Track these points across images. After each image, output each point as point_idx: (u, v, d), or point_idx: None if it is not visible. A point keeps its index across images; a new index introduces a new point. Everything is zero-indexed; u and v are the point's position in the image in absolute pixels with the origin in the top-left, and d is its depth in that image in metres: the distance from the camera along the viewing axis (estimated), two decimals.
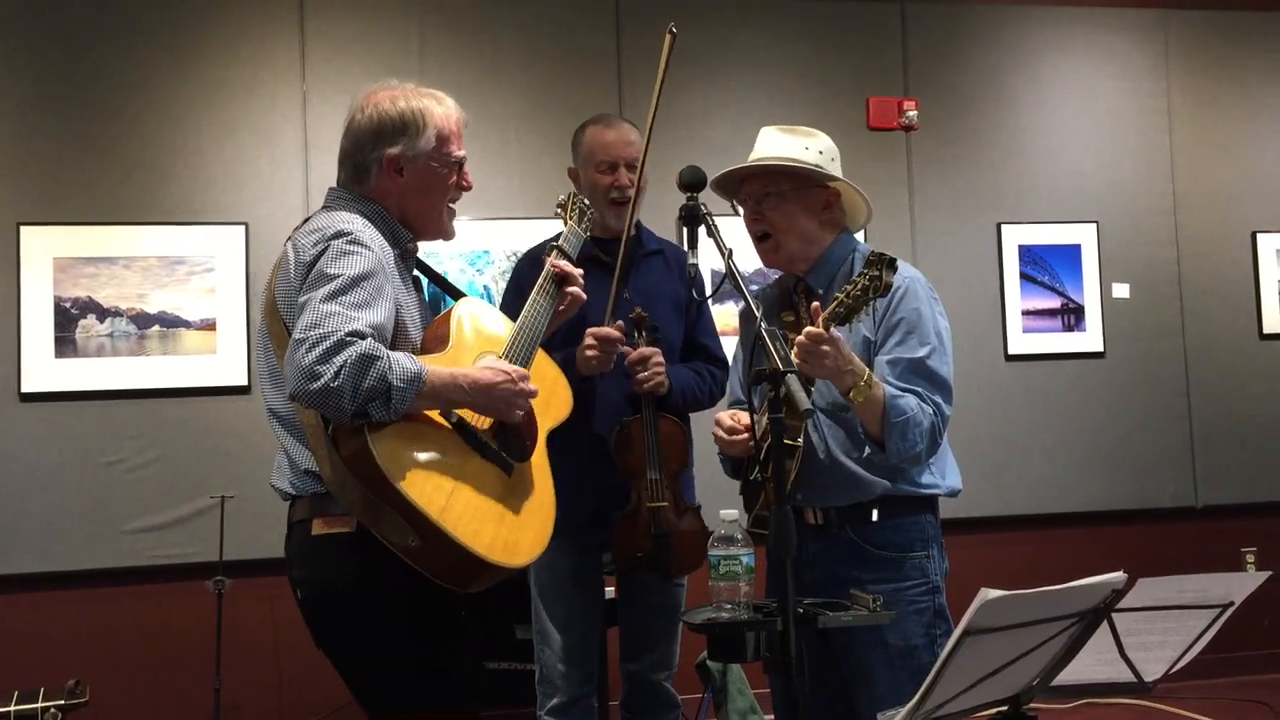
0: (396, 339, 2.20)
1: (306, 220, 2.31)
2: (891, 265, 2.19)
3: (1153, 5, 5.49)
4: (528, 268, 3.06)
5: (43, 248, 4.41)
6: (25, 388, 4.35)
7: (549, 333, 2.53)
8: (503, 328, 2.44)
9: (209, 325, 4.50)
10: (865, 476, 2.45)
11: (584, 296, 2.59)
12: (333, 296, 2.05)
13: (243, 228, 4.55)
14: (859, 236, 2.78)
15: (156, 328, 4.48)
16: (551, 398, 2.44)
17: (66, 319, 4.40)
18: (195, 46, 4.61)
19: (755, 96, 5.04)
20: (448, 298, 2.59)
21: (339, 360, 1.97)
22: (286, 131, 4.65)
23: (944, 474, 2.55)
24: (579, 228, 2.78)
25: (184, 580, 4.33)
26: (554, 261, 2.57)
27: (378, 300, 2.11)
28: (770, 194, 2.56)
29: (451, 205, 2.41)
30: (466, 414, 2.18)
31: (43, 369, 4.37)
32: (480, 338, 2.35)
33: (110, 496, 4.38)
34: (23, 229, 4.39)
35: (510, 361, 2.30)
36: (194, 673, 4.30)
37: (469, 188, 2.43)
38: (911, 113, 5.14)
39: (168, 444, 4.44)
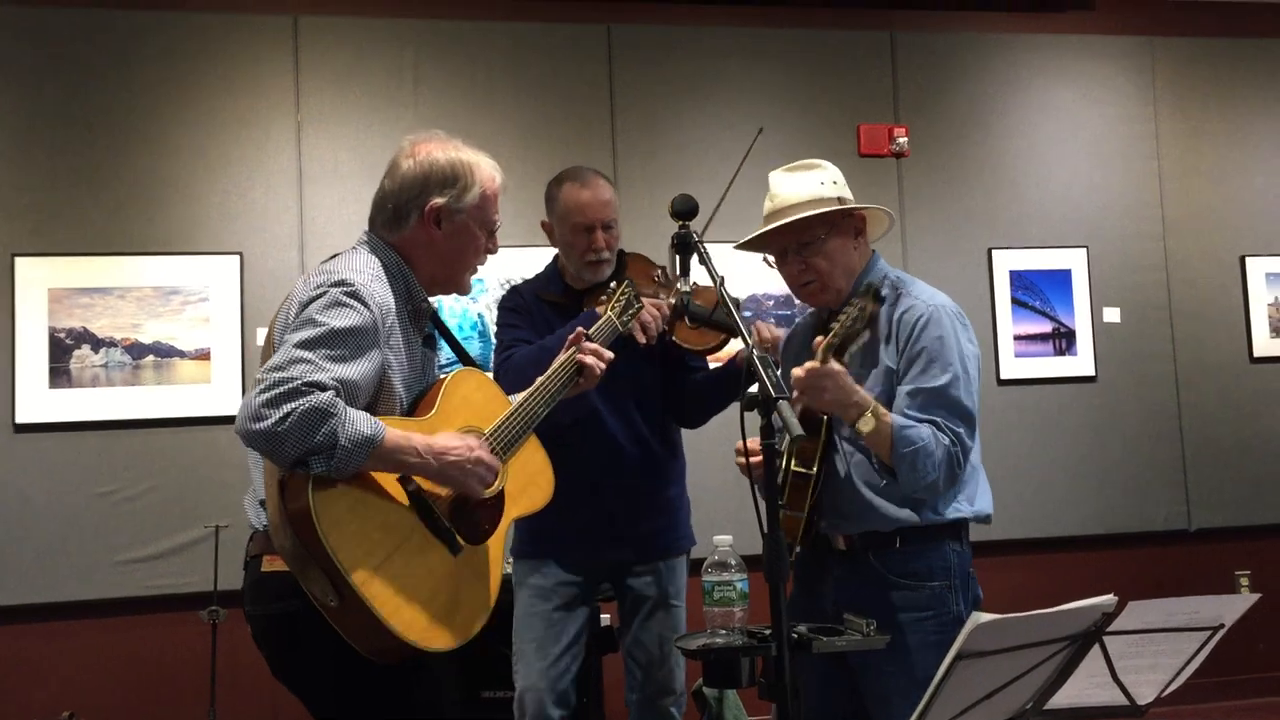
0: (380, 399, 2.17)
1: (333, 257, 2.29)
2: (877, 296, 2.22)
3: (1139, 33, 5.55)
4: (523, 302, 3.10)
5: (37, 278, 4.42)
6: (19, 419, 4.35)
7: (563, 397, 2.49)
8: (497, 406, 2.38)
9: (203, 355, 4.51)
10: (883, 506, 2.42)
11: (600, 371, 2.54)
12: (308, 344, 2.03)
13: (237, 258, 4.57)
14: None
15: (151, 358, 4.49)
16: (529, 486, 2.39)
17: (61, 350, 4.41)
18: (190, 78, 4.64)
19: (747, 125, 5.05)
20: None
21: (288, 407, 1.94)
22: (281, 162, 4.68)
23: (973, 499, 2.50)
24: (617, 321, 2.74)
25: (178, 610, 4.32)
26: (583, 346, 2.53)
27: (356, 357, 2.07)
28: (809, 242, 2.55)
29: (476, 266, 2.38)
30: (427, 484, 2.13)
31: (37, 400, 4.37)
32: (469, 410, 2.29)
33: (105, 527, 4.37)
34: (17, 260, 4.41)
35: (494, 442, 2.27)
36: (189, 703, 4.28)
37: (495, 251, 2.40)
38: (902, 139, 5.19)
39: (162, 474, 4.44)
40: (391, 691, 2.15)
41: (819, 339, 2.32)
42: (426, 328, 2.38)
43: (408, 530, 2.10)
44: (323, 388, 1.99)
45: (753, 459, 2.32)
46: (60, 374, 4.40)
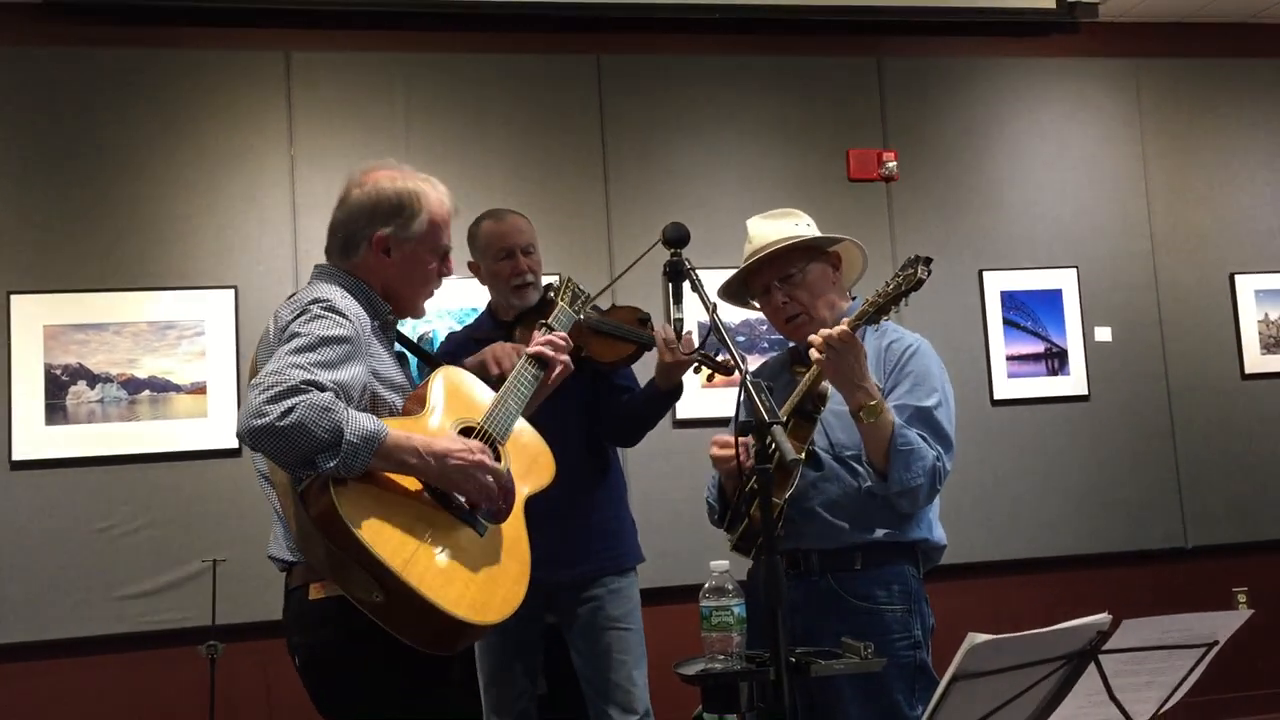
0: (373, 405, 2.21)
1: (292, 295, 2.34)
2: (928, 262, 2.28)
3: (1124, 55, 5.60)
4: (453, 346, 3.21)
5: (33, 315, 4.43)
6: (16, 456, 4.35)
7: (535, 404, 2.54)
8: (484, 397, 2.44)
9: (199, 389, 4.52)
10: (853, 525, 2.46)
11: (573, 367, 2.62)
12: (299, 351, 2.07)
13: (232, 291, 4.59)
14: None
15: (147, 392, 4.49)
16: (533, 465, 2.44)
17: (57, 386, 4.42)
18: (183, 113, 4.67)
19: (737, 152, 5.12)
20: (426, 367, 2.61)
21: (289, 403, 1.97)
22: (275, 195, 4.70)
23: (930, 528, 2.56)
24: (570, 309, 2.85)
25: (177, 646, 4.30)
26: (543, 338, 2.59)
27: (346, 362, 2.12)
28: (790, 274, 2.63)
29: (432, 290, 2.44)
30: None
31: (33, 436, 4.37)
32: (459, 403, 2.35)
33: (102, 563, 4.36)
34: (13, 297, 4.42)
35: (488, 428, 2.32)
36: None
37: (449, 274, 2.46)
38: (891, 164, 5.22)
39: (159, 508, 4.43)
40: (430, 711, 2.18)
41: (845, 322, 2.35)
42: (395, 345, 2.44)
43: (432, 517, 2.14)
44: (320, 387, 2.02)
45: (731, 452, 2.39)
46: (56, 410, 4.41)
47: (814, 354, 2.33)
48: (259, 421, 1.96)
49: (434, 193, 2.40)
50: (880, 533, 2.47)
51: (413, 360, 2.70)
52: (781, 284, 2.63)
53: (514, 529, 2.31)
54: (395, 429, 2.10)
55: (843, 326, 2.30)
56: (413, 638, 2.06)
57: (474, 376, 2.55)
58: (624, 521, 3.23)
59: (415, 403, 2.32)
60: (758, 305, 2.76)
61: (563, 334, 2.63)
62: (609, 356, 3.10)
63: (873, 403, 2.34)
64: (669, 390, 3.05)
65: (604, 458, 3.22)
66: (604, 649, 3.09)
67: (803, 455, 2.35)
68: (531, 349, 2.56)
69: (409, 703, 2.16)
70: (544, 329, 2.68)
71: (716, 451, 2.53)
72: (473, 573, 2.14)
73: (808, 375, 2.43)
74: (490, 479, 2.19)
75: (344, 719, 2.21)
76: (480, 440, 2.26)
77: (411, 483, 2.14)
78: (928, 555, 2.59)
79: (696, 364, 2.95)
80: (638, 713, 3.09)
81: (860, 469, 2.50)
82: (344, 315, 2.18)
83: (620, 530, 3.20)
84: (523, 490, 2.36)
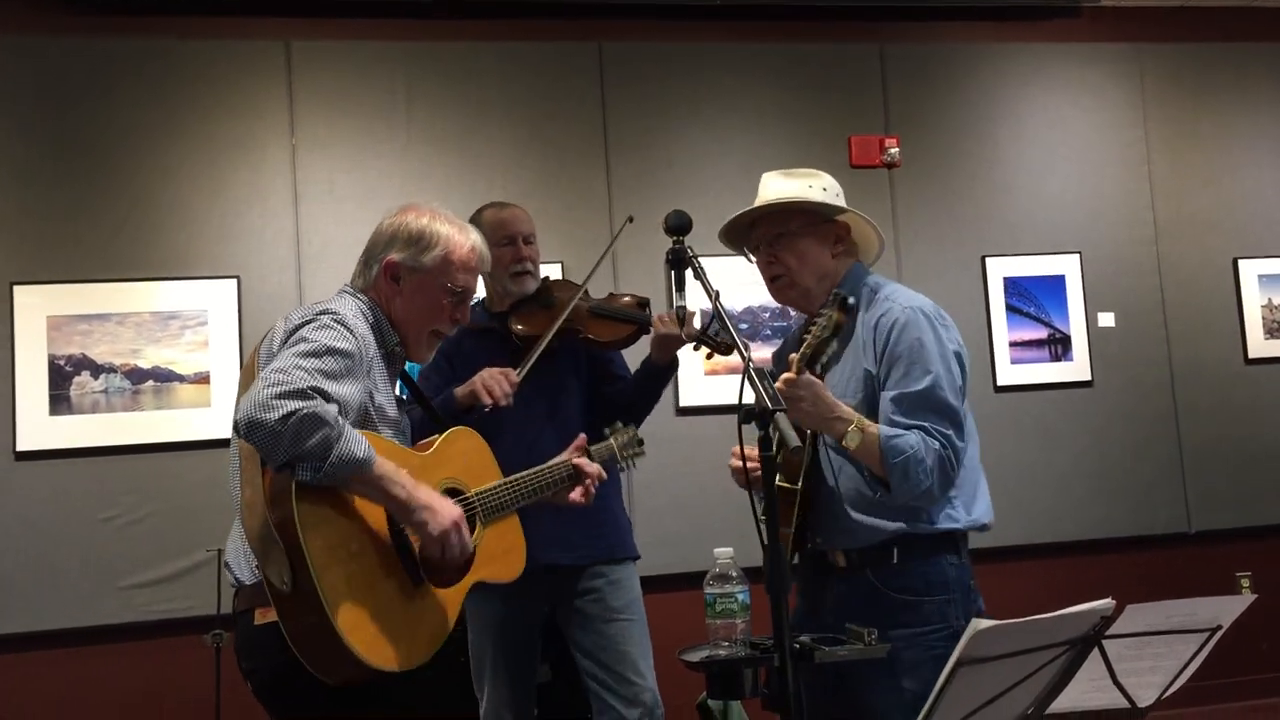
0: (366, 428, 2.22)
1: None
2: (842, 305, 2.20)
3: (1127, 40, 5.58)
4: (447, 344, 3.15)
5: (36, 306, 4.44)
6: (20, 446, 4.36)
7: (540, 502, 2.59)
8: (489, 472, 2.49)
9: (203, 379, 4.52)
10: (870, 520, 2.41)
11: (584, 501, 2.67)
12: (306, 355, 2.09)
13: (235, 281, 4.59)
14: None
15: (150, 382, 4.50)
16: (501, 556, 2.43)
17: (61, 376, 4.42)
18: (185, 103, 4.67)
19: (739, 140, 5.11)
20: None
21: (294, 405, 1.98)
22: (277, 185, 4.70)
23: (969, 508, 2.49)
24: (619, 454, 2.88)
25: (182, 635, 4.31)
26: (580, 460, 2.65)
27: (348, 377, 2.13)
28: (782, 234, 2.57)
29: (439, 331, 2.43)
30: None
31: (37, 427, 4.38)
32: (463, 464, 2.36)
33: (106, 552, 4.38)
34: (16, 288, 4.43)
35: (482, 501, 2.36)
36: None
37: (463, 320, 2.46)
38: (893, 150, 5.21)
39: (163, 498, 4.44)
40: None
41: (792, 355, 2.32)
42: (400, 389, 2.45)
43: (378, 546, 2.13)
44: (328, 398, 2.03)
45: (750, 465, 2.26)
46: (60, 401, 4.41)
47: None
48: (260, 415, 1.98)
49: (460, 236, 2.41)
50: (899, 525, 2.41)
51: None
52: (771, 243, 2.58)
53: (450, 598, 2.27)
54: (388, 462, 2.11)
55: (787, 375, 2.26)
56: (297, 644, 2.03)
57: (487, 448, 2.55)
58: (617, 515, 3.23)
59: (422, 444, 2.35)
60: (752, 259, 2.72)
61: (599, 468, 2.68)
62: (607, 337, 3.14)
63: (850, 428, 2.30)
64: (665, 365, 3.09)
65: None
66: (608, 641, 3.07)
67: (805, 442, 2.34)
68: (583, 464, 2.63)
69: (372, 709, 2.15)
70: (583, 454, 2.72)
71: (735, 463, 2.46)
72: (386, 611, 2.10)
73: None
74: (455, 544, 2.19)
75: None
76: (463, 506, 2.28)
77: (376, 509, 2.14)
78: (966, 537, 2.52)
79: (696, 343, 2.96)
80: (644, 704, 3.05)
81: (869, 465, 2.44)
82: (351, 332, 2.19)
83: (614, 521, 3.19)
84: (479, 572, 2.34)
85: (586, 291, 3.20)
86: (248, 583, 2.20)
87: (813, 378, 2.28)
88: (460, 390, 2.95)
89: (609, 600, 3.10)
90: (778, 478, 2.35)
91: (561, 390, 3.17)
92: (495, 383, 2.92)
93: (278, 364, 2.07)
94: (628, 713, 3.04)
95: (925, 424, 2.38)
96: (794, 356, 2.31)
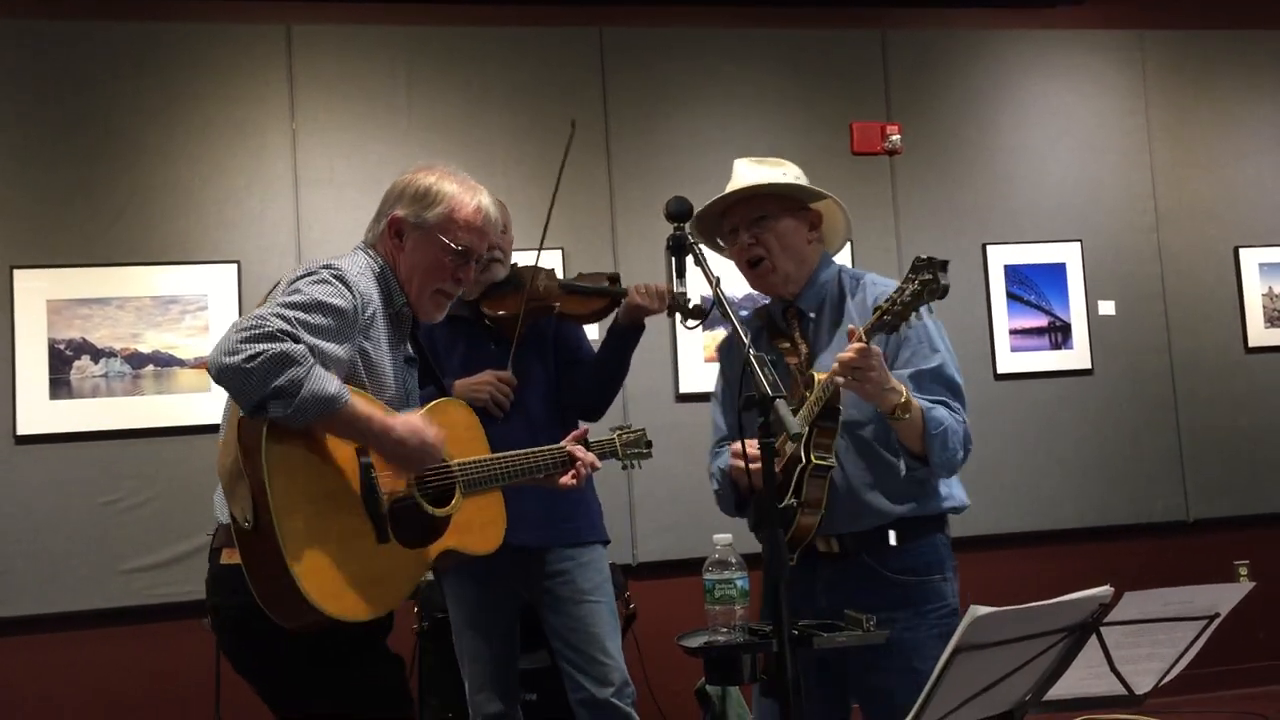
0: (371, 388, 2.22)
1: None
2: (944, 266, 2.13)
3: (1128, 26, 5.57)
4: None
5: (36, 290, 4.43)
6: (20, 430, 4.37)
7: (527, 484, 2.59)
8: (477, 445, 2.47)
9: (203, 364, 4.52)
10: (881, 503, 2.42)
11: (575, 484, 2.67)
12: (291, 306, 2.08)
13: (235, 266, 4.59)
14: (844, 260, 2.79)
15: (151, 367, 4.50)
16: (478, 528, 2.41)
17: (61, 361, 4.42)
18: (185, 88, 4.66)
19: (740, 126, 5.09)
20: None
21: (261, 347, 1.98)
22: (277, 170, 4.70)
23: (951, 489, 2.52)
24: (620, 451, 2.89)
25: (182, 619, 4.31)
26: (575, 447, 2.65)
27: (331, 336, 2.11)
28: (762, 217, 2.57)
29: (443, 290, 2.41)
30: (383, 471, 2.17)
31: (38, 411, 4.38)
32: (449, 434, 2.32)
33: (107, 536, 4.39)
34: (16, 272, 4.43)
35: (464, 472, 2.35)
36: (194, 712, 4.29)
37: (465, 283, 2.44)
38: (895, 137, 5.20)
39: (164, 482, 4.45)
40: (343, 681, 2.17)
41: (852, 327, 2.30)
42: (407, 351, 2.43)
43: (345, 499, 2.12)
44: (297, 340, 2.03)
45: (752, 465, 2.27)
46: (60, 385, 4.41)
47: (837, 380, 2.27)
48: (228, 359, 1.98)
49: (466, 195, 2.39)
50: (908, 506, 2.43)
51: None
52: (750, 226, 2.58)
53: (416, 560, 2.26)
54: (360, 400, 2.11)
55: (860, 344, 2.22)
56: (255, 583, 2.04)
57: (478, 423, 2.54)
58: (589, 500, 3.24)
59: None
60: (724, 245, 2.70)
61: (595, 458, 2.70)
62: (581, 310, 3.24)
63: (902, 400, 2.30)
64: (629, 326, 3.19)
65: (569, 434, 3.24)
66: (576, 622, 3.14)
67: (805, 430, 2.33)
68: (577, 450, 2.64)
69: (325, 670, 2.16)
70: (589, 449, 2.73)
71: (738, 464, 2.44)
72: (345, 561, 2.08)
73: (817, 387, 2.34)
74: (435, 441, 2.22)
75: (257, 681, 2.24)
76: (440, 478, 2.29)
77: (350, 462, 2.13)
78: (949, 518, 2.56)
79: (669, 308, 2.97)
80: (614, 684, 3.12)
81: (877, 446, 2.45)
82: (349, 288, 2.17)
83: (584, 506, 3.22)
84: (451, 540, 2.33)
85: (553, 272, 3.30)
86: (223, 522, 2.20)
87: (875, 349, 2.26)
88: (462, 394, 2.98)
89: (579, 583, 3.16)
90: (813, 455, 2.35)
91: (529, 379, 3.21)
92: (502, 394, 3.10)
93: (259, 310, 2.07)
94: (599, 692, 3.11)
95: (945, 399, 2.42)
96: (854, 329, 2.28)
